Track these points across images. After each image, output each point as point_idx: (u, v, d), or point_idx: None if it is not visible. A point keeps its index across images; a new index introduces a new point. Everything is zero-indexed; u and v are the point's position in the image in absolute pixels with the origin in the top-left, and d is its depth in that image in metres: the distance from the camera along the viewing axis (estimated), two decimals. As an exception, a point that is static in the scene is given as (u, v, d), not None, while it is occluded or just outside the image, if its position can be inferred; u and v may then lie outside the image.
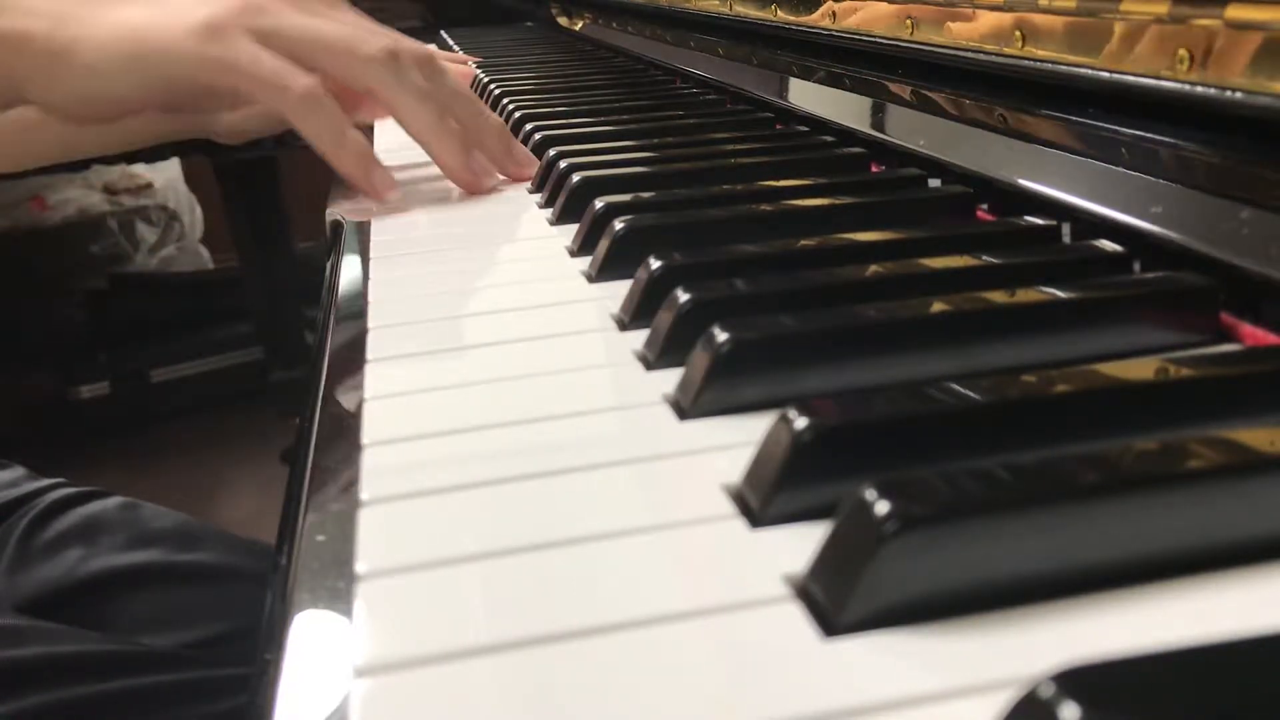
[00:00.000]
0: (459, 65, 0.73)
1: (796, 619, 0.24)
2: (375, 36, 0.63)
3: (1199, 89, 0.37)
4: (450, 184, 0.69)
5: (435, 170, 0.71)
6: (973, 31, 0.50)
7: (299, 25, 0.60)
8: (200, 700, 0.64)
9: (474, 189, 0.67)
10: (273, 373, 2.21)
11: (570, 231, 0.56)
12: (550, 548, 0.28)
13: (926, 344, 0.36)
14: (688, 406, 0.35)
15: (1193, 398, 0.31)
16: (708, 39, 0.92)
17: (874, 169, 0.60)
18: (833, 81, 0.68)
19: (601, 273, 0.49)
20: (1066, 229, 0.45)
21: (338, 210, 0.67)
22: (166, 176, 2.61)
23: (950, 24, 0.52)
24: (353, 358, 0.43)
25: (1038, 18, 0.45)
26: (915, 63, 0.57)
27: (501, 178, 0.69)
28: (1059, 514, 0.24)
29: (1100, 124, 0.44)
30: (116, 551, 0.77)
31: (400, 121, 0.65)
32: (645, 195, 0.56)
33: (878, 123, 0.62)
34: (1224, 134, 0.38)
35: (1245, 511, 0.25)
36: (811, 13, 0.67)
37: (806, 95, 0.71)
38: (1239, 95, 0.36)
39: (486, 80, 1.03)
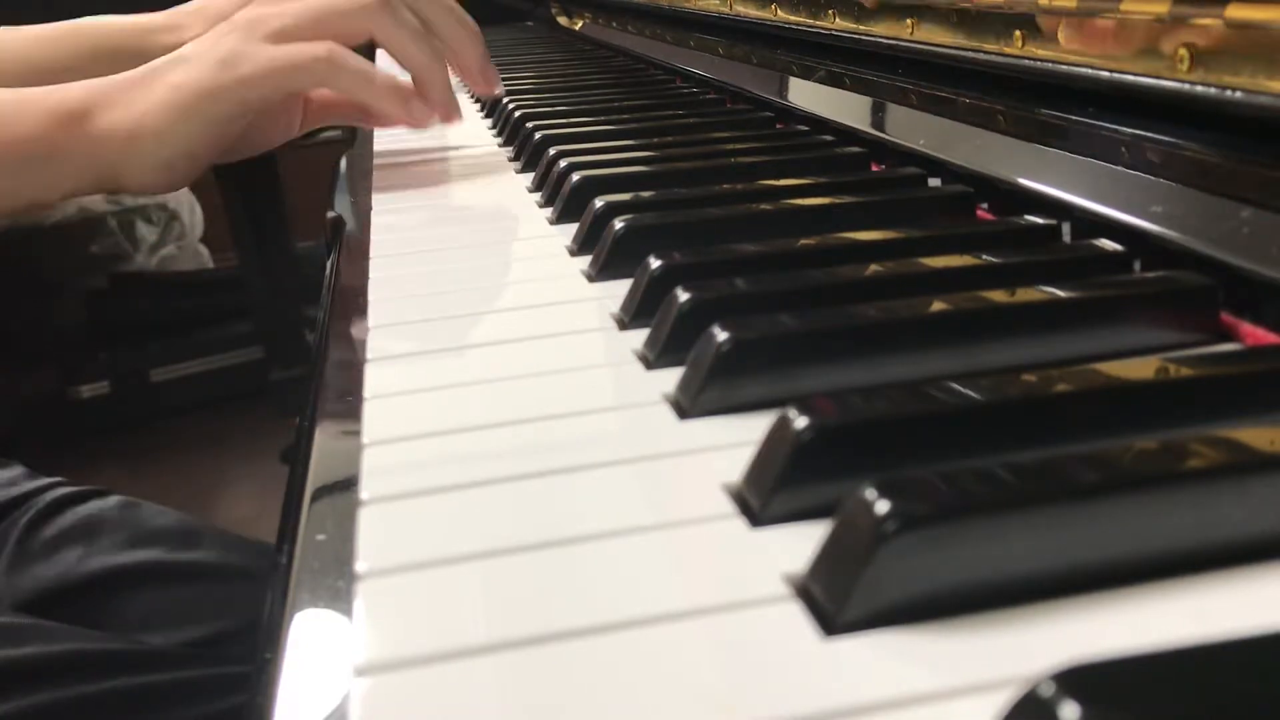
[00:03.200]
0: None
1: (796, 618, 0.24)
2: None
3: (1199, 88, 0.37)
4: (449, 185, 0.69)
5: (435, 172, 0.71)
6: (973, 31, 0.50)
7: (297, 11, 0.66)
8: (200, 699, 0.64)
9: (447, 119, 0.73)
10: (273, 372, 2.21)
11: (570, 231, 0.56)
12: (550, 547, 0.28)
13: (926, 343, 0.36)
14: (688, 406, 0.35)
15: (1193, 398, 0.31)
16: (708, 38, 0.92)
17: (874, 168, 0.60)
18: (833, 81, 0.68)
19: (601, 272, 0.49)
20: (1066, 228, 0.45)
21: (337, 209, 0.67)
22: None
23: (950, 23, 0.52)
24: (353, 358, 0.43)
25: (1038, 16, 0.45)
26: (915, 62, 0.57)
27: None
28: (1059, 514, 0.24)
29: (1100, 123, 0.44)
30: (116, 550, 0.77)
31: (397, 58, 0.71)
32: (645, 194, 0.56)
33: (878, 122, 0.62)
34: (1224, 134, 0.38)
35: (1245, 511, 0.25)
36: (811, 12, 0.67)
37: (806, 94, 0.71)
38: (1239, 95, 0.36)
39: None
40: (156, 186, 0.66)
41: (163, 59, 0.65)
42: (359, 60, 0.66)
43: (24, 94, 0.63)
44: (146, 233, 2.56)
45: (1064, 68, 0.44)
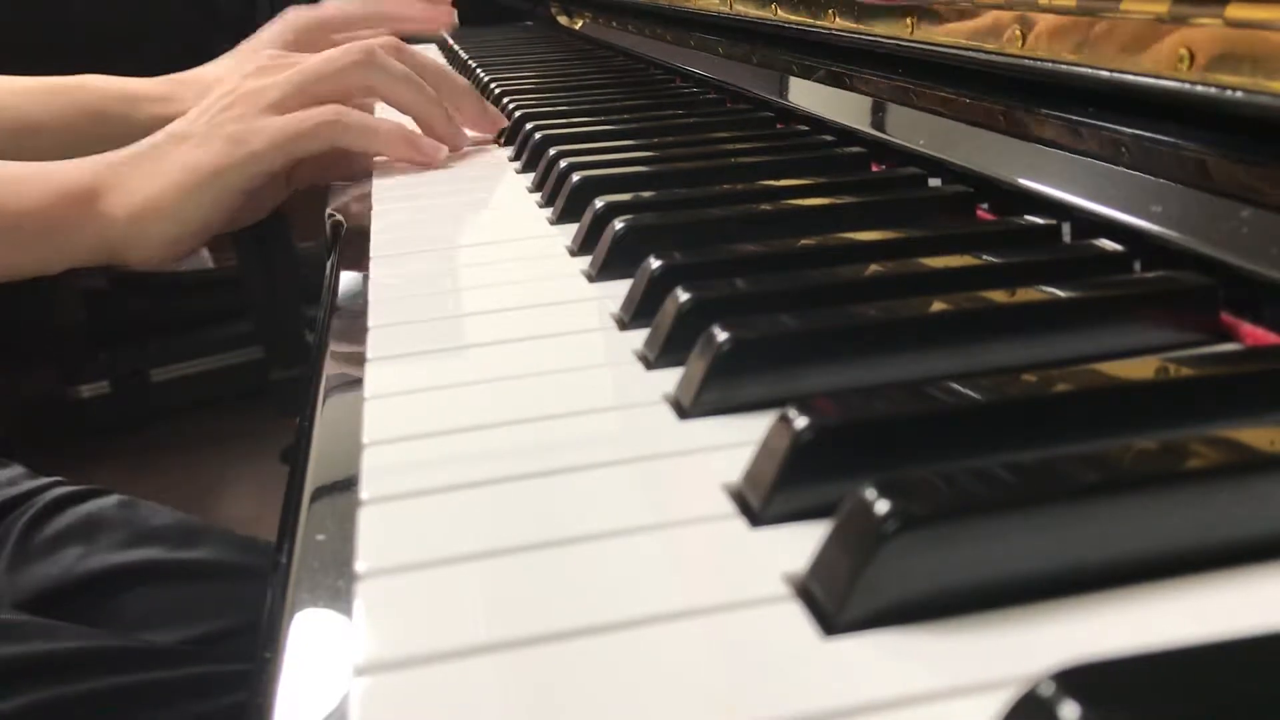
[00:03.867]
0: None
1: (796, 618, 0.24)
2: (347, 49, 0.72)
3: (1199, 88, 0.37)
4: (449, 186, 0.69)
5: (435, 172, 0.71)
6: (973, 30, 0.50)
7: (290, 79, 0.69)
8: (201, 696, 0.64)
9: (456, 146, 0.76)
10: (273, 372, 2.21)
11: (570, 231, 0.56)
12: (550, 547, 0.28)
13: (926, 343, 0.36)
14: (688, 406, 0.35)
15: (1193, 398, 0.31)
16: (708, 38, 0.92)
17: (874, 168, 0.60)
18: (833, 80, 0.68)
19: (601, 272, 0.49)
20: (1066, 228, 0.45)
21: (337, 209, 0.68)
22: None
23: (951, 23, 0.52)
24: (353, 357, 0.43)
25: (1038, 17, 0.45)
26: (915, 62, 0.57)
27: (472, 134, 0.80)
28: (1059, 513, 0.24)
29: (1100, 123, 0.44)
30: (116, 549, 0.77)
31: (394, 104, 0.74)
32: (645, 195, 0.56)
33: (878, 122, 0.62)
34: (1224, 133, 0.38)
35: (1245, 511, 0.25)
36: (811, 12, 0.67)
37: (806, 94, 0.71)
38: (1239, 95, 0.36)
39: (486, 79, 1.02)
40: (160, 261, 0.68)
41: (163, 135, 0.67)
42: (360, 115, 0.68)
43: (33, 169, 0.65)
44: (147, 232, 2.55)
45: (1064, 68, 0.44)
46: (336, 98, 0.68)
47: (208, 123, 0.67)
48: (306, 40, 0.96)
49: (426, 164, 0.72)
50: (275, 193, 0.76)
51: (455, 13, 1.05)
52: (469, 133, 0.79)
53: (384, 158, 0.74)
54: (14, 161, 0.65)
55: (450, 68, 0.84)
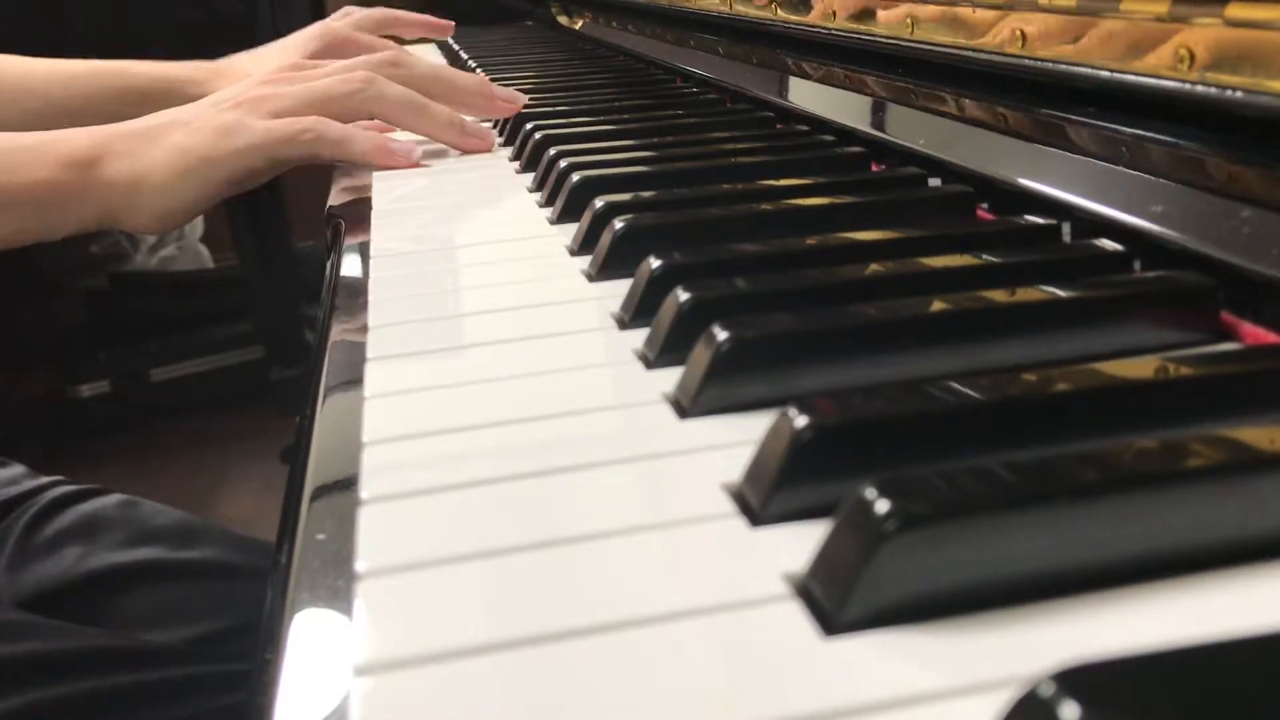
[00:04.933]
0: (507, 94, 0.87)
1: (796, 618, 0.24)
2: (351, 70, 0.76)
3: (1199, 88, 0.37)
4: (448, 185, 0.69)
5: (434, 171, 0.71)
6: (973, 30, 0.50)
7: (297, 93, 0.72)
8: (202, 695, 0.64)
9: (474, 149, 0.79)
10: (273, 372, 2.21)
11: (570, 231, 0.56)
12: (550, 546, 0.28)
13: (926, 343, 0.36)
14: (688, 405, 0.35)
15: (1193, 397, 0.31)
16: (708, 38, 0.92)
17: (874, 168, 0.60)
18: (833, 80, 0.68)
19: (601, 272, 0.49)
20: (1066, 228, 0.45)
21: (337, 209, 0.68)
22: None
23: (951, 23, 0.52)
24: (353, 357, 0.43)
25: (1038, 17, 0.45)
26: (915, 62, 0.57)
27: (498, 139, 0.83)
28: (1059, 513, 0.24)
29: (1100, 123, 0.44)
30: (116, 549, 0.77)
31: (399, 126, 0.78)
32: (645, 194, 0.56)
33: (878, 122, 0.62)
34: (1224, 133, 0.38)
35: (1245, 511, 0.25)
36: (811, 11, 0.67)
37: (806, 94, 0.71)
38: (1239, 94, 0.36)
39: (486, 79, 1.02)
40: (152, 230, 0.71)
41: (165, 116, 0.70)
42: (339, 129, 0.71)
43: (36, 139, 0.68)
44: (147, 232, 2.56)
45: (1064, 68, 0.44)
46: (339, 119, 0.72)
47: (207, 113, 0.70)
48: (328, 50, 1.00)
49: (408, 166, 0.75)
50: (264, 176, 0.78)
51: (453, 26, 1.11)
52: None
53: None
54: (15, 132, 0.68)
55: (449, 67, 0.86)
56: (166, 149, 0.68)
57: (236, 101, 0.72)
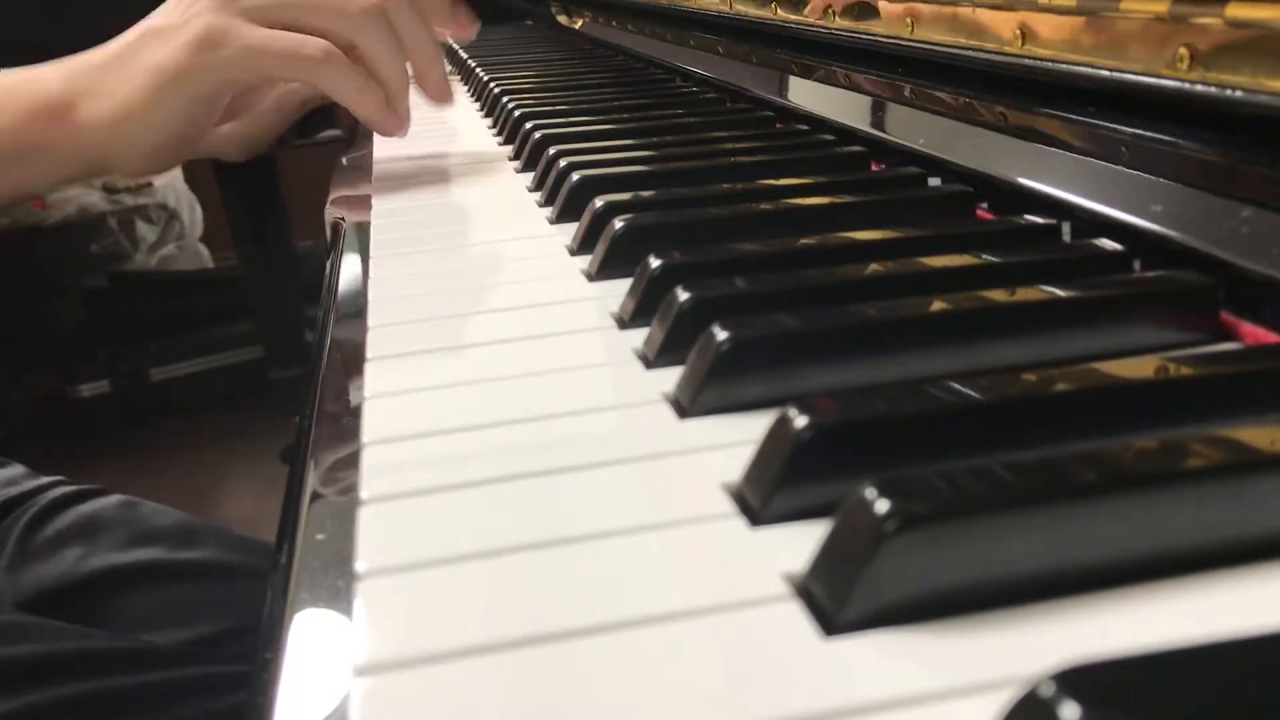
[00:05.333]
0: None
1: (796, 618, 0.24)
2: None
3: (1199, 87, 0.37)
4: (448, 185, 0.69)
5: (434, 171, 0.71)
6: (973, 30, 0.50)
7: None
8: (202, 696, 0.64)
9: (404, 132, 0.70)
10: (273, 371, 2.21)
11: (570, 230, 0.56)
12: (550, 547, 0.28)
13: (926, 343, 0.36)
14: (688, 405, 0.35)
15: (1193, 397, 0.31)
16: (708, 37, 0.92)
17: (874, 167, 0.60)
18: (832, 80, 0.68)
19: (601, 271, 0.49)
20: (1066, 228, 0.45)
21: (337, 209, 0.68)
22: (166, 175, 2.61)
23: (950, 22, 0.52)
24: (353, 357, 0.43)
25: (1038, 16, 0.45)
26: (915, 61, 0.57)
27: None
28: (1059, 513, 0.24)
29: (1100, 122, 0.44)
30: (116, 549, 0.77)
31: (372, 68, 0.67)
32: (645, 194, 0.56)
33: (877, 121, 0.62)
34: (1224, 133, 0.38)
35: (1245, 511, 0.25)
36: (811, 11, 0.67)
37: (806, 94, 0.71)
38: (1239, 94, 0.36)
39: (486, 79, 1.02)
40: (146, 170, 0.65)
41: (137, 31, 0.63)
42: (350, 66, 0.64)
43: (1, 87, 0.62)
44: (146, 232, 2.56)
45: (1064, 67, 0.44)
46: (320, 34, 0.63)
47: (181, 15, 0.62)
48: None
49: (383, 133, 0.69)
50: (256, 131, 0.74)
51: (478, 26, 1.02)
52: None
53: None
54: None
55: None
56: (141, 73, 0.61)
57: (211, 3, 0.62)
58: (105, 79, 0.62)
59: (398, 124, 0.69)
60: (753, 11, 0.77)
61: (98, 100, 0.61)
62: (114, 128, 0.61)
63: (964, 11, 0.51)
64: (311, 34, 0.63)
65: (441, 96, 0.73)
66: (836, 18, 0.64)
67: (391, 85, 0.68)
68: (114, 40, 0.64)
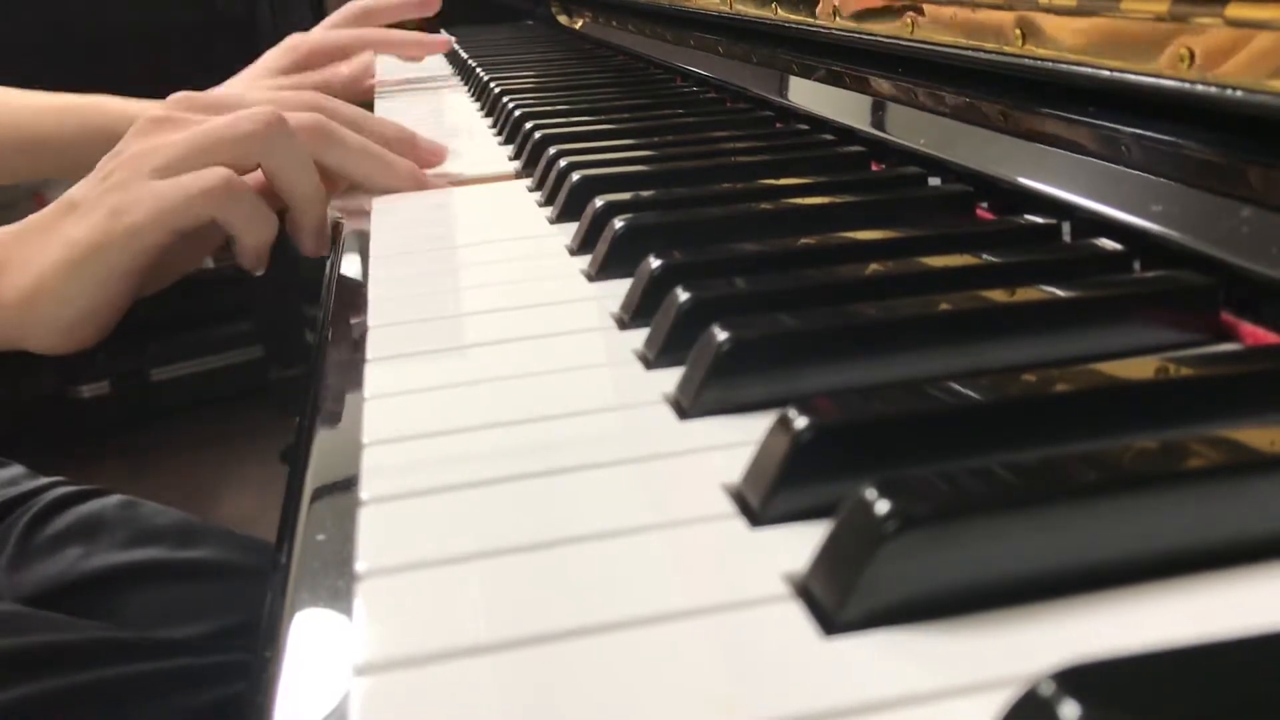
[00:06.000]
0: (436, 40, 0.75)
1: (796, 618, 0.24)
2: (253, 114, 0.61)
3: (1199, 87, 0.37)
4: (447, 188, 0.69)
5: (432, 174, 0.71)
6: (973, 30, 0.50)
7: (186, 140, 0.60)
8: (202, 687, 0.64)
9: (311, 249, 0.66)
10: (273, 371, 2.21)
11: (570, 230, 0.56)
12: (550, 547, 0.28)
13: (926, 343, 0.36)
14: (688, 406, 0.35)
15: (1193, 398, 0.31)
16: (708, 37, 0.92)
17: (874, 167, 0.60)
18: (832, 80, 0.68)
19: (601, 271, 0.49)
20: (1066, 228, 0.45)
21: (337, 209, 0.68)
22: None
23: (950, 22, 0.52)
24: (353, 357, 0.43)
25: (1038, 16, 0.45)
26: (915, 61, 0.57)
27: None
28: (1059, 513, 0.24)
29: (1100, 122, 0.44)
30: (116, 549, 0.77)
31: (278, 189, 0.63)
32: (645, 194, 0.56)
33: (877, 121, 0.62)
34: (1224, 133, 0.38)
35: (1245, 511, 0.25)
36: (811, 11, 0.67)
37: (806, 93, 0.71)
38: (1239, 94, 0.36)
39: (486, 79, 1.02)
40: (61, 349, 0.60)
41: (56, 205, 0.60)
42: (250, 194, 0.60)
43: None
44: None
45: (1064, 67, 0.44)
46: (233, 167, 0.59)
47: (94, 189, 0.59)
48: (307, 64, 0.95)
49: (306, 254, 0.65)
50: (194, 253, 0.67)
51: (452, 41, 1.00)
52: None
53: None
54: None
55: (377, 116, 0.73)
56: (57, 248, 0.57)
57: (114, 167, 0.59)
58: (20, 252, 0.59)
59: (314, 246, 0.65)
60: (753, 11, 0.77)
61: (11, 274, 0.58)
62: (27, 304, 0.58)
63: (964, 11, 0.51)
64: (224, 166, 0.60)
65: (319, 247, 0.66)
66: (837, 18, 0.64)
67: (298, 204, 0.63)
68: (33, 215, 0.60)
